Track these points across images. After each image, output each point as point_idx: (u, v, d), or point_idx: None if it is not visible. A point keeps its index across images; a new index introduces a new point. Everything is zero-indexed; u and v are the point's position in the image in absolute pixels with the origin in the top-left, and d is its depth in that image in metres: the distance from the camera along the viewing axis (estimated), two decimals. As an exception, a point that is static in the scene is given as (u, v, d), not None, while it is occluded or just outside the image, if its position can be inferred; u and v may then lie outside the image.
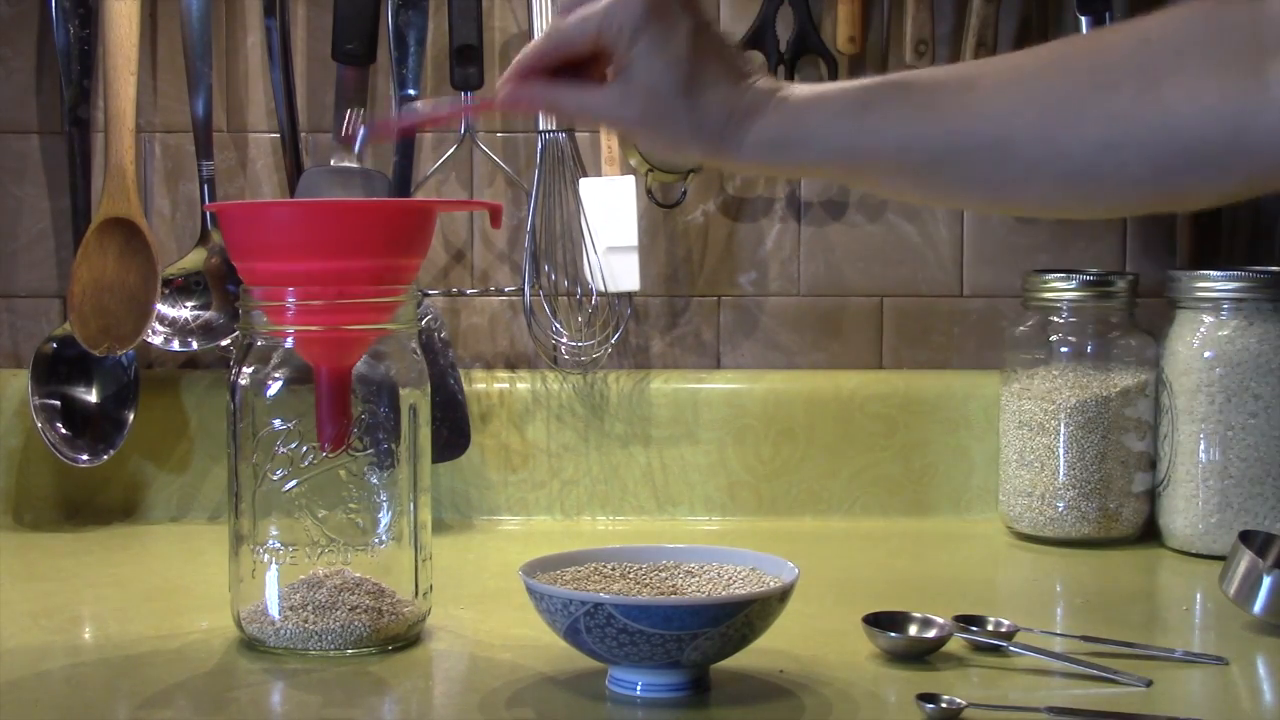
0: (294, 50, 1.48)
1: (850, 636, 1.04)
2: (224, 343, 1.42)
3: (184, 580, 1.24)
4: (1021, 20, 1.51)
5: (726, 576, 1.01)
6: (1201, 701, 0.98)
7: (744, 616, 0.91)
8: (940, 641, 1.03)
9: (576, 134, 1.48)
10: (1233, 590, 1.10)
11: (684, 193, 1.49)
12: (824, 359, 1.53)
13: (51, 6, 1.42)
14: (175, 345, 1.43)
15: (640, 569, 1.02)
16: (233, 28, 1.50)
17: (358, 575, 1.05)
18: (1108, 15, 1.45)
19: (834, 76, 1.47)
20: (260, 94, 1.50)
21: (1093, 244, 1.53)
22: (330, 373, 1.03)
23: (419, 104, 1.44)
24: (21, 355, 1.50)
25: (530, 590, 0.94)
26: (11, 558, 1.33)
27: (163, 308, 1.42)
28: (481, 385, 1.48)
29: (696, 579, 1.01)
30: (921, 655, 1.02)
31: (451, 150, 1.47)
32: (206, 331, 1.43)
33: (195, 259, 1.45)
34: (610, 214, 1.45)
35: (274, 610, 1.04)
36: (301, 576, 1.05)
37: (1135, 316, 1.41)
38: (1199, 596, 1.24)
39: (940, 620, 1.04)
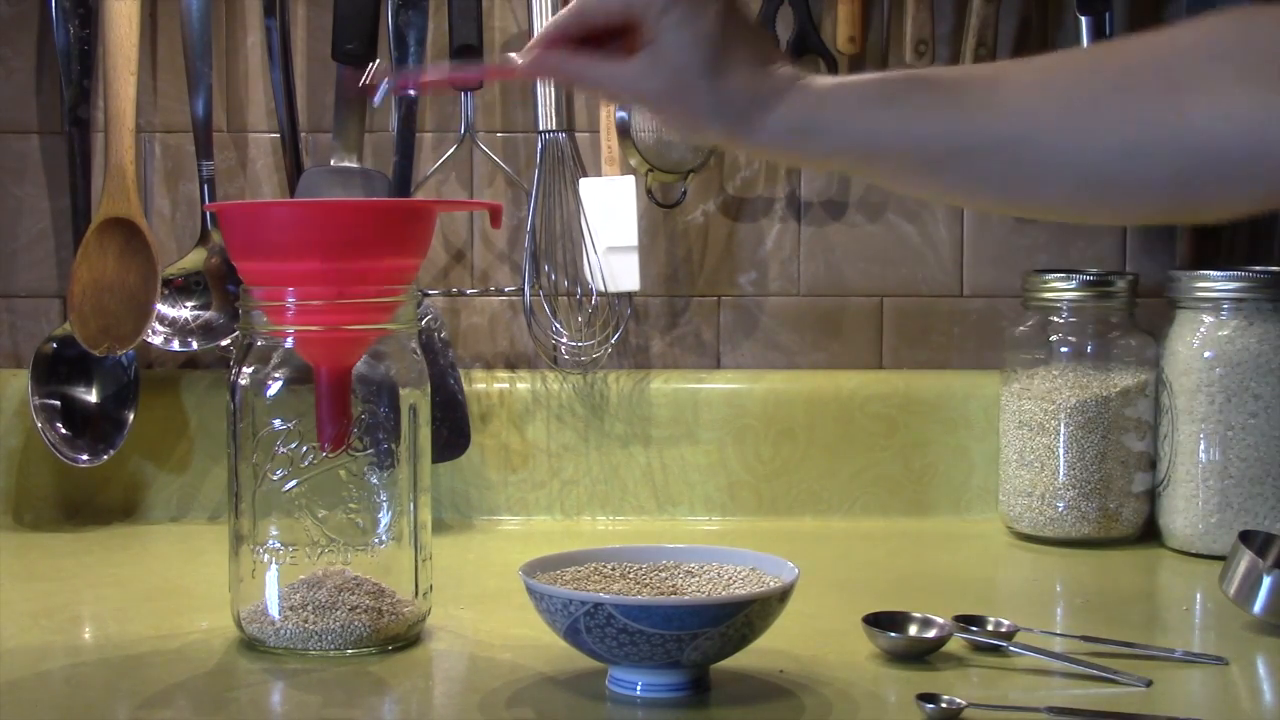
0: (294, 50, 1.48)
1: (850, 636, 1.04)
2: (224, 343, 1.42)
3: (184, 580, 1.24)
4: (1021, 20, 1.51)
5: (726, 576, 1.01)
6: (1201, 701, 0.98)
7: (744, 616, 0.91)
8: (940, 641, 1.03)
9: (576, 134, 1.48)
10: (1233, 590, 1.10)
11: (684, 193, 1.49)
12: (824, 359, 1.53)
13: (51, 6, 1.42)
14: (175, 345, 1.43)
15: (640, 569, 1.02)
16: (233, 28, 1.50)
17: (358, 575, 1.05)
18: (1108, 15, 1.45)
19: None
20: (260, 94, 1.50)
21: (1093, 244, 1.53)
22: (330, 373, 1.03)
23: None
24: (21, 355, 1.50)
25: (530, 590, 0.94)
26: (11, 558, 1.33)
27: (163, 308, 1.42)
28: (481, 385, 1.48)
29: (696, 579, 1.01)
30: (921, 655, 1.02)
31: (451, 150, 1.47)
32: (206, 331, 1.43)
33: (195, 259, 1.45)
34: (610, 214, 1.45)
35: (274, 610, 1.04)
36: (301, 576, 1.05)
37: (1135, 316, 1.41)
38: (1199, 596, 1.24)
39: (940, 620, 1.04)
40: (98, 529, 1.43)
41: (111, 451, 1.41)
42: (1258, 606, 1.08)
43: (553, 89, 1.45)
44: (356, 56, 1.43)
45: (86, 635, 1.14)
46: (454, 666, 1.05)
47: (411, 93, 1.43)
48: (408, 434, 1.07)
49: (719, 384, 1.50)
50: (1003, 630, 1.05)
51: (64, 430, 1.41)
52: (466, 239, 1.52)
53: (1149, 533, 1.40)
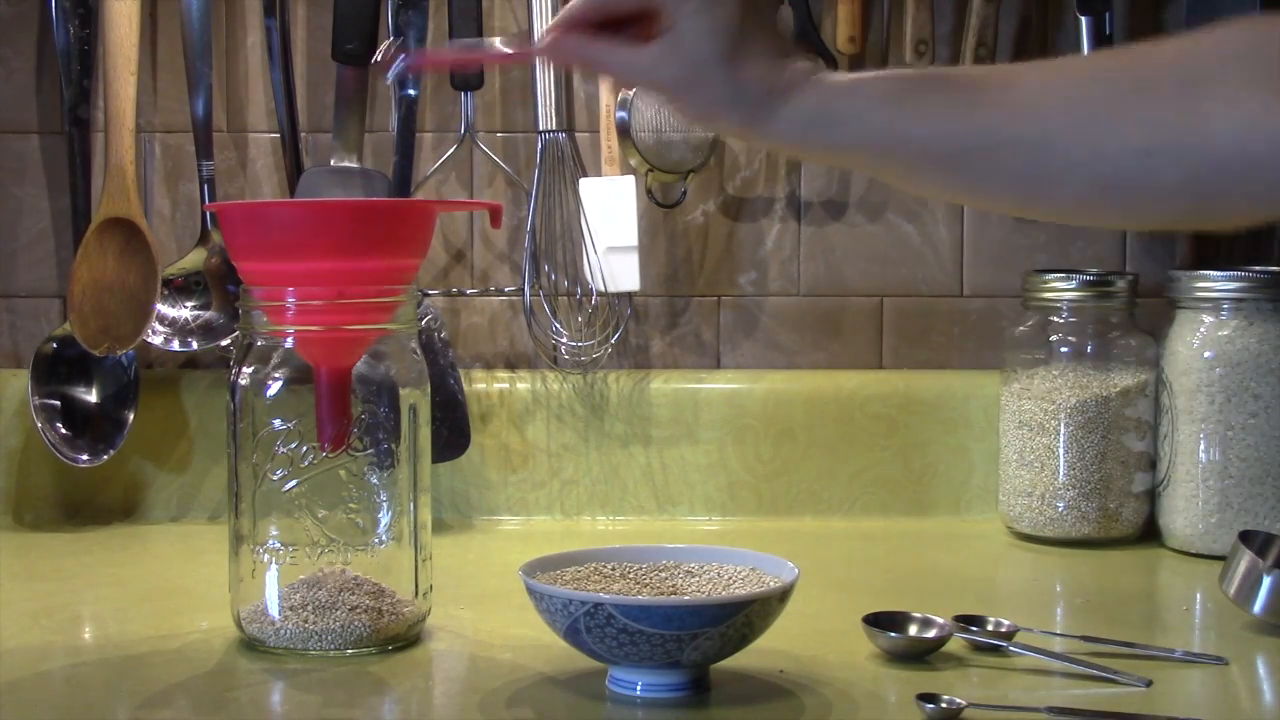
0: (294, 50, 1.48)
1: (850, 636, 1.04)
2: (224, 343, 1.42)
3: (184, 580, 1.24)
4: (1021, 20, 1.51)
5: (726, 576, 1.01)
6: (1201, 701, 0.98)
7: (744, 616, 0.91)
8: (940, 641, 1.03)
9: (576, 134, 1.48)
10: (1233, 590, 1.10)
11: (684, 193, 1.50)
12: (824, 359, 1.53)
13: (51, 6, 1.42)
14: (175, 345, 1.43)
15: (640, 569, 1.02)
16: (233, 28, 1.50)
17: (358, 575, 1.05)
18: (1108, 15, 1.45)
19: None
20: (260, 94, 1.50)
21: (1093, 244, 1.53)
22: (330, 373, 1.03)
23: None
24: (21, 355, 1.50)
25: (530, 590, 0.94)
26: (11, 558, 1.33)
27: (163, 308, 1.42)
28: (481, 385, 1.48)
29: (696, 579, 1.01)
30: (921, 655, 1.02)
31: (451, 150, 1.47)
32: (206, 331, 1.43)
33: (195, 259, 1.45)
34: (610, 214, 1.45)
35: (274, 610, 1.04)
36: (301, 576, 1.05)
37: (1135, 316, 1.41)
38: (1199, 596, 1.24)
39: (940, 620, 1.04)
40: (98, 529, 1.43)
41: (111, 451, 1.41)
42: (1258, 606, 1.08)
43: (553, 89, 1.45)
44: (356, 56, 1.43)
45: (86, 635, 1.14)
46: (454, 666, 1.05)
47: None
48: (408, 434, 1.07)
49: (719, 384, 1.50)
50: (1003, 630, 1.05)
51: (64, 430, 1.41)
52: (466, 239, 1.52)
53: (1149, 533, 1.40)
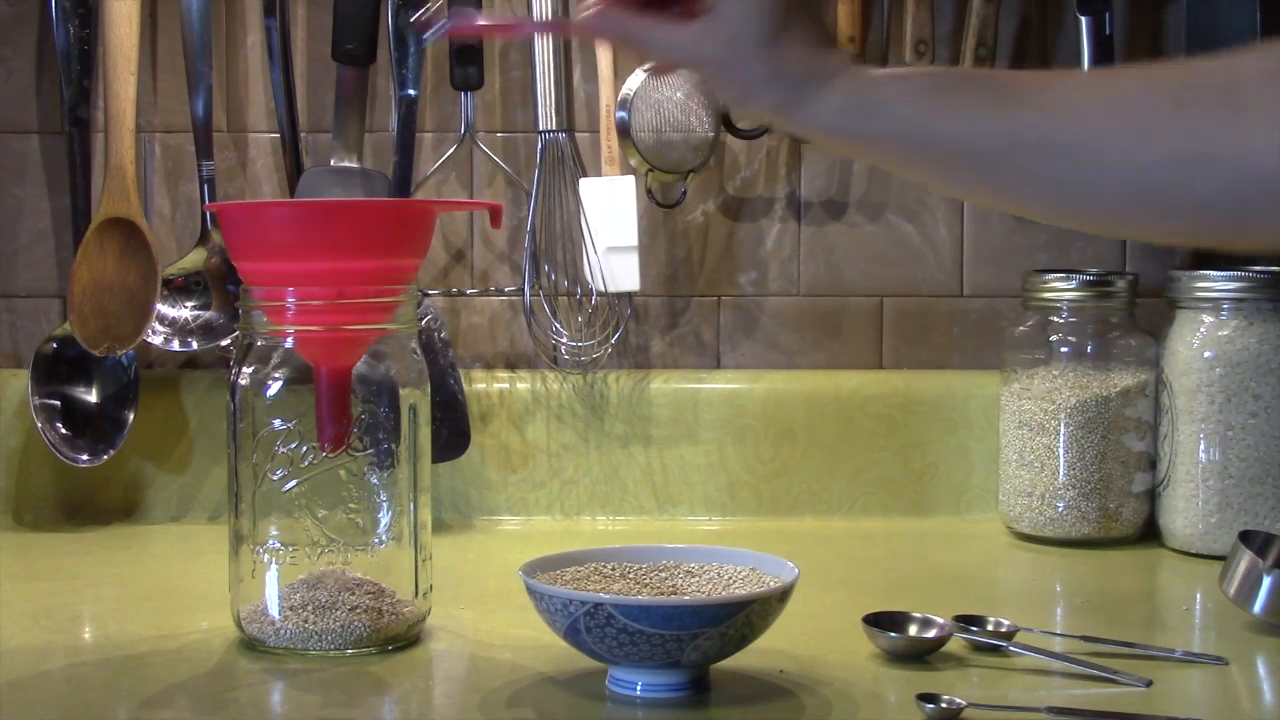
0: (294, 50, 1.48)
1: (850, 636, 1.04)
2: (224, 343, 1.42)
3: (184, 580, 1.24)
4: (1021, 20, 1.51)
5: (726, 576, 1.01)
6: (1201, 701, 0.98)
7: (744, 616, 0.91)
8: (940, 641, 1.03)
9: (576, 134, 1.48)
10: (1233, 590, 1.10)
11: (684, 193, 1.50)
12: (824, 359, 1.53)
13: (51, 6, 1.42)
14: (175, 345, 1.43)
15: (640, 569, 1.02)
16: (233, 28, 1.50)
17: (358, 575, 1.05)
18: (1108, 15, 1.45)
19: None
20: (260, 94, 1.50)
21: (1093, 244, 1.53)
22: (330, 373, 1.03)
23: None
24: (21, 355, 1.50)
25: (530, 590, 0.94)
26: (11, 558, 1.33)
27: (163, 308, 1.41)
28: (481, 385, 1.48)
29: (696, 579, 1.01)
30: (921, 655, 1.02)
31: (451, 150, 1.47)
32: (206, 331, 1.43)
33: (195, 259, 1.45)
34: (610, 214, 1.45)
35: (274, 610, 1.04)
36: (301, 576, 1.05)
37: (1135, 316, 1.41)
38: (1199, 596, 1.24)
39: (940, 620, 1.04)
40: (98, 529, 1.43)
41: (111, 451, 1.41)
42: (1258, 606, 1.08)
43: (553, 88, 1.45)
44: (356, 56, 1.43)
45: (86, 635, 1.14)
46: (454, 666, 1.05)
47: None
48: (408, 434, 1.07)
49: (719, 384, 1.50)
50: (1003, 630, 1.05)
51: (64, 430, 1.41)
52: (466, 239, 1.52)
53: (1149, 533, 1.40)
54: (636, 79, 1.45)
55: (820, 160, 1.52)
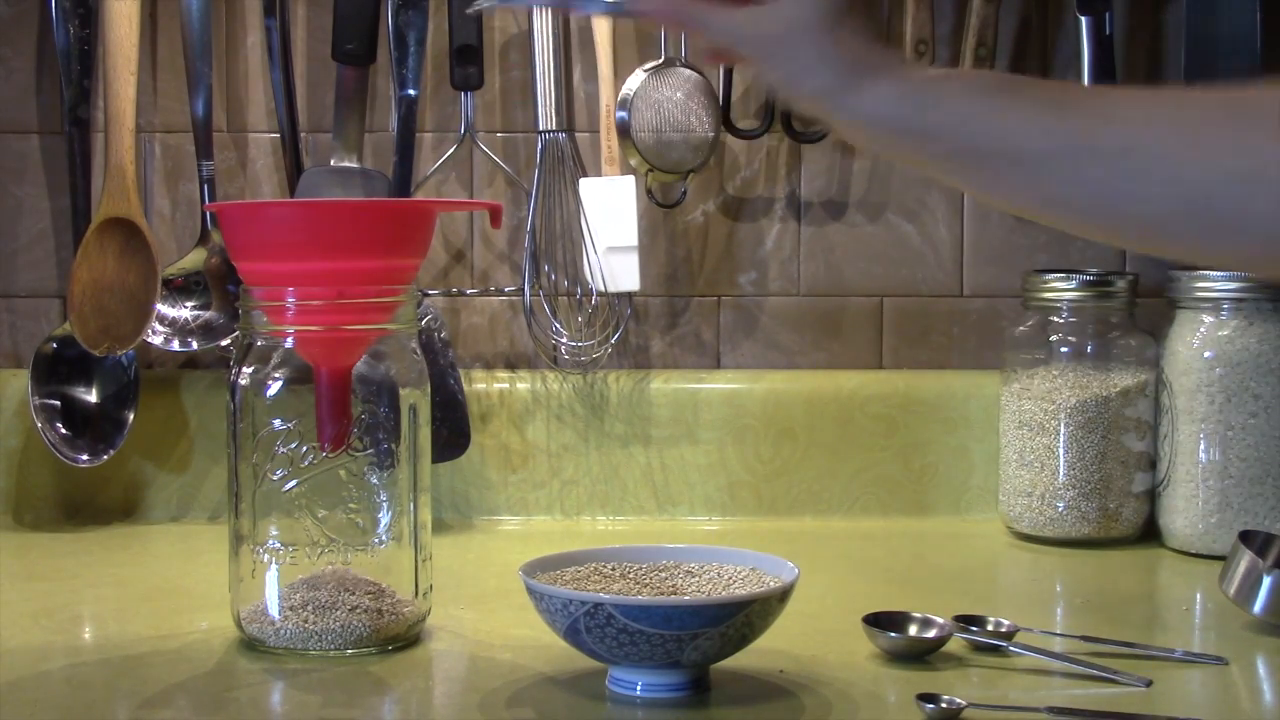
0: (294, 50, 1.48)
1: (850, 636, 1.04)
2: (224, 343, 1.42)
3: (184, 580, 1.24)
4: (1021, 20, 1.51)
5: (726, 576, 1.01)
6: (1201, 701, 0.98)
7: (744, 616, 0.91)
8: (940, 641, 1.03)
9: (576, 134, 1.48)
10: (1233, 590, 1.10)
11: (684, 193, 1.50)
12: (824, 359, 1.53)
13: (51, 6, 1.42)
14: (175, 345, 1.43)
15: (640, 569, 1.02)
16: (233, 28, 1.50)
17: (358, 575, 1.05)
18: (1108, 15, 1.45)
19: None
20: (260, 94, 1.50)
21: (1093, 244, 1.52)
22: (330, 373, 1.03)
23: None
24: (21, 355, 1.50)
25: (530, 590, 0.94)
26: (11, 558, 1.33)
27: (163, 308, 1.41)
28: (481, 385, 1.48)
29: (696, 579, 1.01)
30: (921, 655, 1.02)
31: (451, 150, 1.47)
32: (206, 331, 1.43)
33: (195, 259, 1.45)
34: (610, 214, 1.45)
35: (274, 610, 1.04)
36: (301, 576, 1.05)
37: (1135, 316, 1.41)
38: (1199, 596, 1.24)
39: (940, 620, 1.04)
40: (98, 529, 1.43)
41: (111, 451, 1.41)
42: (1258, 606, 1.08)
43: (553, 88, 1.45)
44: (356, 56, 1.43)
45: (86, 635, 1.14)
46: (454, 666, 1.05)
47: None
48: (408, 434, 1.07)
49: (719, 384, 1.50)
50: (1003, 630, 1.05)
51: (64, 430, 1.41)
52: (466, 239, 1.52)
53: (1149, 533, 1.40)
54: (637, 79, 1.45)
55: (820, 160, 1.52)
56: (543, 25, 1.45)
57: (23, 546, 1.37)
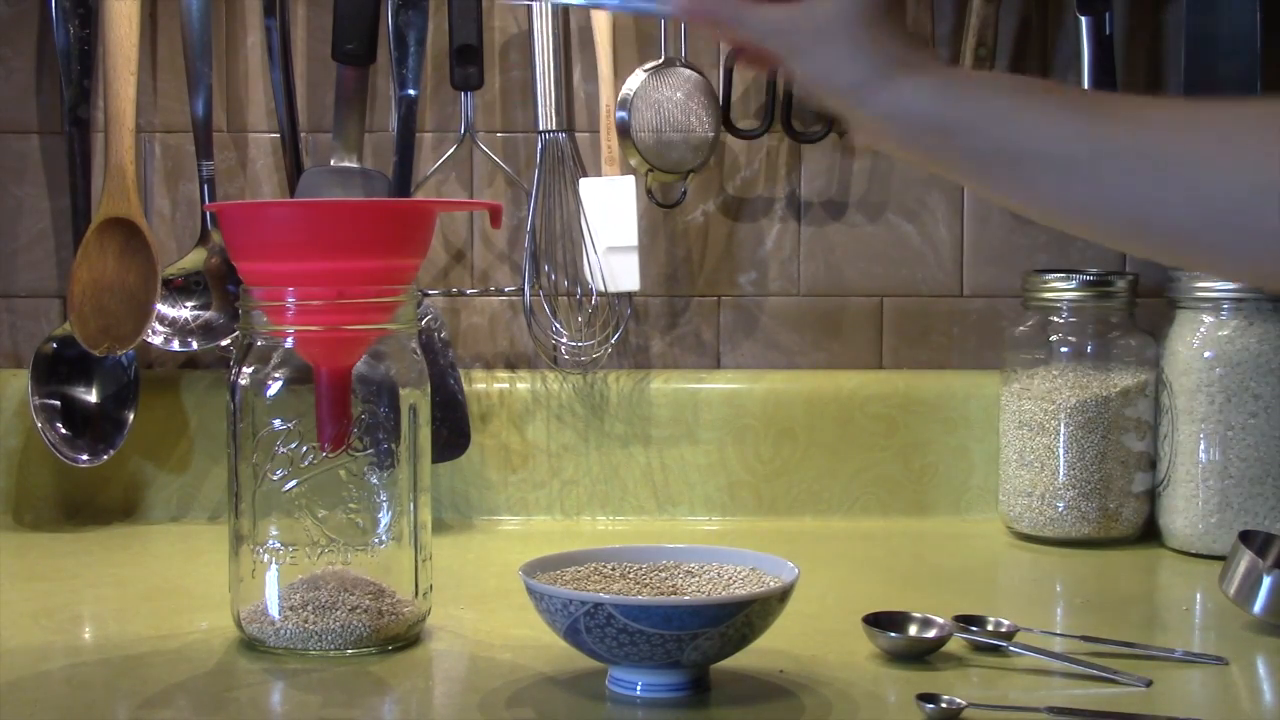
0: (294, 50, 1.48)
1: (850, 636, 1.04)
2: (224, 343, 1.42)
3: (184, 580, 1.24)
4: (1021, 20, 1.51)
5: (726, 576, 1.01)
6: (1201, 701, 0.98)
7: (744, 616, 0.91)
8: (940, 641, 1.03)
9: (576, 134, 1.48)
10: (1233, 590, 1.10)
11: (684, 193, 1.50)
12: (824, 359, 1.53)
13: (51, 6, 1.42)
14: (175, 345, 1.43)
15: (640, 569, 1.02)
16: (233, 28, 1.50)
17: (358, 575, 1.05)
18: (1108, 15, 1.45)
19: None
20: (260, 94, 1.50)
21: (1093, 244, 1.52)
22: (330, 373, 1.03)
23: None
24: (21, 355, 1.50)
25: (530, 590, 0.94)
26: (11, 558, 1.33)
27: (163, 308, 1.41)
28: (481, 385, 1.48)
29: (696, 579, 1.01)
30: (921, 655, 1.02)
31: (451, 150, 1.47)
32: (206, 331, 1.43)
33: (195, 259, 1.45)
34: (610, 214, 1.45)
35: (274, 610, 1.04)
36: (301, 576, 1.05)
37: (1135, 316, 1.41)
38: (1199, 596, 1.24)
39: (940, 620, 1.04)
40: (98, 529, 1.43)
41: (111, 451, 1.41)
42: (1258, 606, 1.08)
43: (553, 88, 1.45)
44: (356, 56, 1.43)
45: (86, 635, 1.14)
46: (454, 666, 1.05)
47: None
48: (408, 434, 1.07)
49: (719, 384, 1.50)
50: (1003, 630, 1.05)
51: (64, 430, 1.41)
52: (466, 239, 1.52)
53: (1149, 533, 1.40)
54: (636, 79, 1.45)
55: (820, 160, 1.52)
56: (543, 25, 1.45)
57: (23, 546, 1.37)
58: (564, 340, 1.46)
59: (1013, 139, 0.84)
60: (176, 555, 1.34)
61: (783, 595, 0.94)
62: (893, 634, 1.03)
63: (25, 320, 1.51)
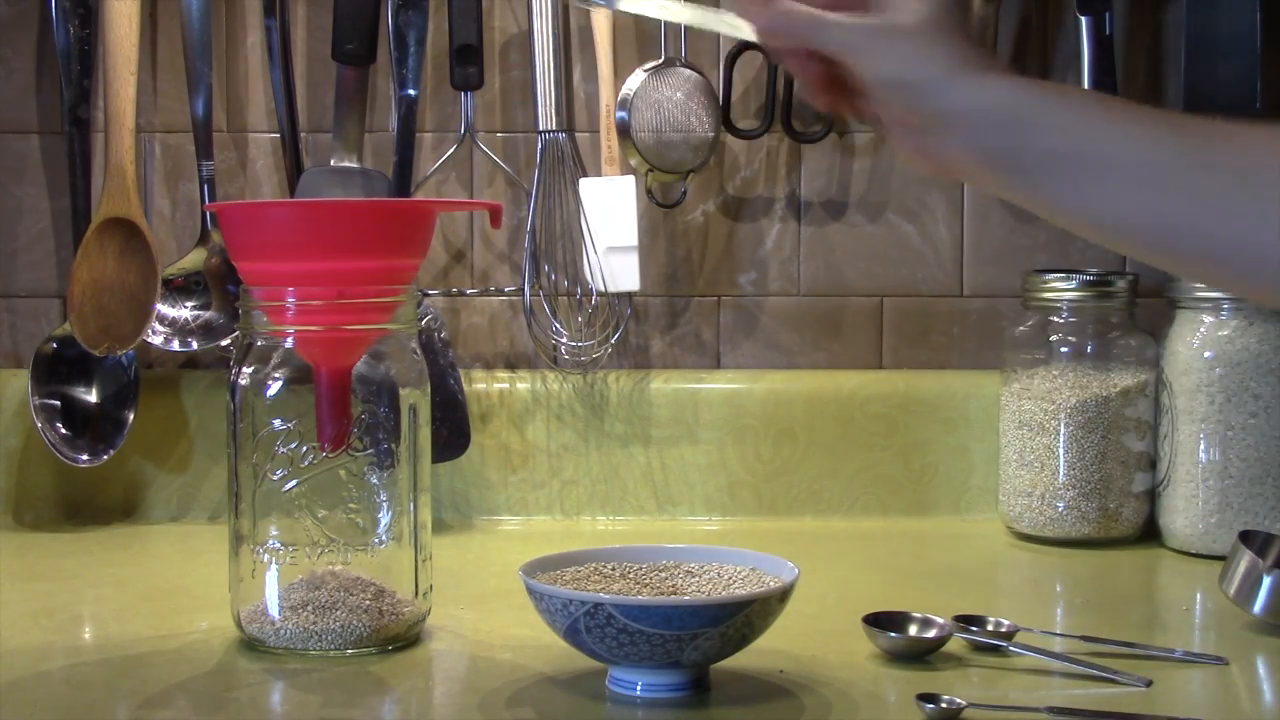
0: (294, 50, 1.48)
1: (850, 636, 1.04)
2: (224, 343, 1.42)
3: (184, 580, 1.24)
4: (1021, 20, 1.51)
5: (726, 576, 1.01)
6: (1201, 701, 0.98)
7: (744, 616, 0.91)
8: (940, 641, 1.03)
9: (576, 134, 1.48)
10: (1233, 590, 1.10)
11: (684, 193, 1.50)
12: (824, 359, 1.53)
13: (51, 6, 1.42)
14: (175, 345, 1.43)
15: (640, 569, 1.02)
16: (233, 28, 1.50)
17: (358, 575, 1.05)
18: (1108, 15, 1.45)
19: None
20: (260, 94, 1.50)
21: (1093, 244, 1.52)
22: (330, 373, 1.03)
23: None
24: (21, 355, 1.50)
25: (530, 590, 0.94)
26: (11, 558, 1.33)
27: (163, 308, 1.41)
28: (481, 385, 1.48)
29: (696, 579, 1.01)
30: (921, 655, 1.02)
31: (451, 150, 1.47)
32: (206, 331, 1.43)
33: (195, 259, 1.45)
34: (610, 214, 1.45)
35: (274, 610, 1.04)
36: (301, 576, 1.05)
37: (1135, 316, 1.41)
38: (1199, 596, 1.24)
39: (940, 620, 1.04)
40: (98, 529, 1.43)
41: (111, 451, 1.41)
42: (1258, 606, 1.08)
43: (553, 88, 1.45)
44: (356, 56, 1.43)
45: (86, 635, 1.14)
46: (454, 666, 1.05)
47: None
48: (408, 434, 1.07)
49: (719, 384, 1.50)
50: (1003, 630, 1.05)
51: (64, 430, 1.41)
52: (466, 239, 1.52)
53: (1149, 533, 1.40)
54: (636, 79, 1.45)
55: (820, 160, 1.52)
56: (543, 25, 1.45)
57: (23, 546, 1.37)
58: (564, 340, 1.46)
59: (1089, 140, 0.82)
60: (176, 555, 1.34)
61: (783, 595, 0.94)
62: (893, 634, 1.03)
63: (25, 320, 1.51)
